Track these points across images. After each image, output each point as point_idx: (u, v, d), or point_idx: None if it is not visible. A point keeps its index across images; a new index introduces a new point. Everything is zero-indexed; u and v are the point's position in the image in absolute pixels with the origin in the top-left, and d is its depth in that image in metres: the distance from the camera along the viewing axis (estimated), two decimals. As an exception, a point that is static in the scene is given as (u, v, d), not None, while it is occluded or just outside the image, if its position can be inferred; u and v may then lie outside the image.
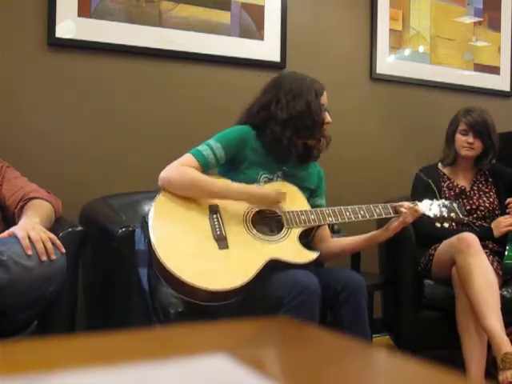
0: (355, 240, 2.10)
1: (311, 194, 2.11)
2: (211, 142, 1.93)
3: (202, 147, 1.92)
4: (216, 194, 1.89)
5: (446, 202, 2.11)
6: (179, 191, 1.87)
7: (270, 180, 2.00)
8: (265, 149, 1.99)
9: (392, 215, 2.00)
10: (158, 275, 1.75)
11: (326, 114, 2.02)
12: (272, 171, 2.01)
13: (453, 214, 2.07)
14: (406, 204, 2.00)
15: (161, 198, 1.86)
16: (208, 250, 1.78)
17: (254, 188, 1.92)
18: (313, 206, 2.07)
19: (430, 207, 2.07)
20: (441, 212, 2.06)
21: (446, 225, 2.07)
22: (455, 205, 2.11)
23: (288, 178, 2.03)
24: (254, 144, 1.98)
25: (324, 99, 2.02)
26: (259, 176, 1.98)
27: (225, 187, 1.90)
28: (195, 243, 1.80)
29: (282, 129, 1.95)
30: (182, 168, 1.88)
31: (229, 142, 1.94)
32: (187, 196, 1.87)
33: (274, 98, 1.98)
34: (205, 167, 1.91)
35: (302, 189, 2.04)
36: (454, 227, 2.12)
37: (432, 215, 2.05)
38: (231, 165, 1.98)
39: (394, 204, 2.02)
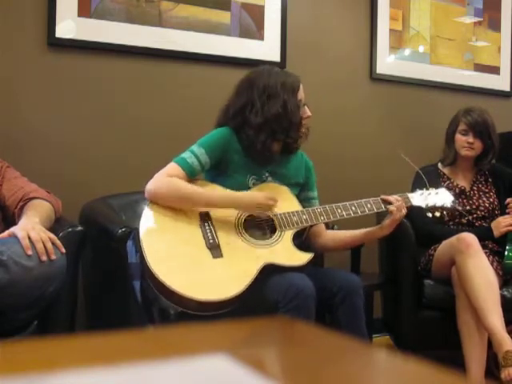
0: (350, 235, 2.10)
1: (302, 188, 2.10)
2: (195, 148, 1.91)
3: (186, 154, 1.90)
4: (202, 204, 1.87)
5: (436, 191, 2.09)
6: (166, 203, 1.84)
7: (259, 181, 1.98)
8: (245, 152, 1.97)
9: (383, 209, 1.99)
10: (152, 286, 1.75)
11: (305, 108, 1.98)
12: (259, 172, 1.99)
13: (443, 203, 2.05)
14: (394, 200, 1.98)
15: (150, 210, 1.84)
16: (202, 259, 1.77)
17: (242, 194, 1.88)
18: (305, 199, 2.07)
19: (420, 197, 2.06)
20: (431, 201, 2.05)
21: (438, 214, 2.05)
22: (445, 193, 2.09)
23: (275, 176, 2.02)
24: (236, 146, 1.95)
25: (301, 94, 1.97)
26: (248, 179, 1.96)
27: (211, 196, 1.87)
28: (189, 253, 1.78)
29: (256, 133, 1.91)
30: (167, 179, 1.85)
31: (212, 146, 1.91)
32: (175, 207, 1.85)
33: (249, 102, 1.93)
34: (190, 175, 1.89)
35: (291, 185, 2.03)
36: (445, 217, 2.11)
37: (423, 205, 2.04)
38: (218, 169, 1.95)
39: (384, 197, 2.00)
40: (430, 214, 2.05)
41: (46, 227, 1.67)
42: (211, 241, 1.81)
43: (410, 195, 2.07)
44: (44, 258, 1.54)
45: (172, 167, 1.88)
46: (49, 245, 1.56)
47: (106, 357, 0.58)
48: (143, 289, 1.79)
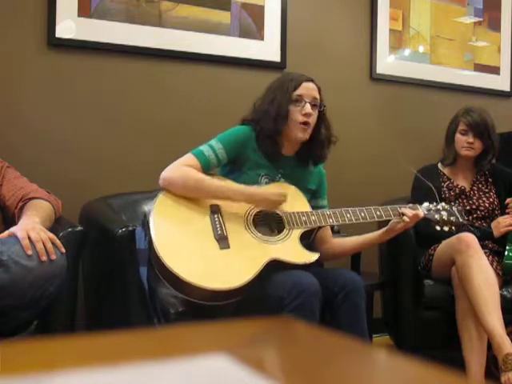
0: (356, 242, 2.11)
1: (313, 195, 2.11)
2: (213, 142, 1.95)
3: (204, 147, 1.93)
4: (215, 194, 1.89)
5: (446, 206, 2.11)
6: (180, 191, 1.87)
7: (271, 181, 2.00)
8: (260, 150, 2.00)
9: (392, 218, 2.00)
10: (158, 275, 1.75)
11: (306, 105, 1.96)
12: (273, 172, 2.01)
13: (453, 218, 2.07)
14: (409, 211, 1.99)
15: (162, 198, 1.86)
16: (209, 249, 1.78)
17: (254, 189, 1.91)
18: (315, 207, 2.07)
19: (430, 211, 2.08)
20: (441, 216, 2.06)
21: (446, 228, 2.06)
22: (455, 208, 2.12)
23: (287, 179, 2.03)
24: (254, 144, 1.99)
25: (301, 91, 1.98)
26: (260, 177, 1.98)
27: (224, 188, 1.90)
28: (196, 243, 1.80)
29: (260, 128, 1.98)
30: (183, 168, 1.89)
31: (230, 142, 1.95)
32: (188, 196, 1.88)
33: (259, 102, 2.04)
34: (206, 167, 1.91)
35: (303, 190, 2.04)
36: (454, 231, 2.12)
37: (432, 219, 2.06)
38: (233, 166, 1.98)
39: (396, 207, 2.01)
40: (438, 228, 2.07)
41: (46, 227, 1.67)
42: (219, 232, 1.82)
43: (419, 208, 2.06)
44: (44, 257, 1.54)
45: (188, 158, 1.92)
46: (49, 245, 1.56)
47: (106, 357, 0.58)
48: (149, 277, 1.80)
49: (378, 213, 1.99)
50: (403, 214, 1.98)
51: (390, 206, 2.03)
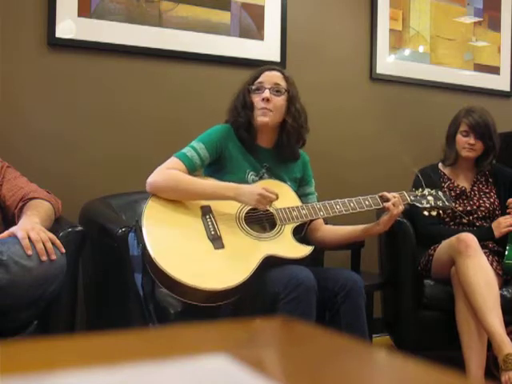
0: (348, 231, 2.10)
1: (299, 183, 2.13)
2: (194, 143, 1.96)
3: (186, 149, 1.95)
4: (199, 194, 1.88)
5: (432, 191, 2.13)
6: (166, 195, 1.87)
7: (257, 177, 2.01)
8: (243, 147, 2.02)
9: (381, 205, 2.01)
10: (153, 280, 1.75)
11: (265, 91, 1.97)
12: (257, 168, 2.02)
13: (439, 202, 2.10)
14: (392, 197, 2.00)
15: (151, 203, 1.86)
16: (204, 250, 1.78)
17: (239, 185, 1.90)
18: (302, 194, 2.09)
19: (417, 197, 2.10)
20: (427, 201, 2.09)
21: (434, 213, 2.09)
22: (441, 193, 2.15)
23: (272, 172, 2.04)
24: (235, 141, 2.00)
25: (262, 78, 2.00)
26: (246, 174, 1.99)
27: (208, 187, 1.89)
28: (190, 245, 1.80)
29: (238, 127, 2.01)
30: (167, 171, 1.89)
31: (211, 141, 1.96)
32: (178, 199, 1.88)
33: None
34: (190, 169, 1.92)
35: (289, 180, 2.06)
36: (442, 215, 2.14)
37: (419, 204, 2.08)
38: (217, 165, 1.99)
39: (382, 194, 2.02)
40: (426, 213, 2.09)
41: (46, 227, 1.67)
42: (213, 232, 1.82)
43: (406, 194, 2.09)
44: (44, 258, 1.54)
45: (173, 161, 1.92)
46: (49, 245, 1.57)
47: (106, 357, 0.58)
48: (144, 283, 1.79)
49: (366, 202, 2.01)
50: (387, 200, 1.98)
51: (379, 194, 2.03)
